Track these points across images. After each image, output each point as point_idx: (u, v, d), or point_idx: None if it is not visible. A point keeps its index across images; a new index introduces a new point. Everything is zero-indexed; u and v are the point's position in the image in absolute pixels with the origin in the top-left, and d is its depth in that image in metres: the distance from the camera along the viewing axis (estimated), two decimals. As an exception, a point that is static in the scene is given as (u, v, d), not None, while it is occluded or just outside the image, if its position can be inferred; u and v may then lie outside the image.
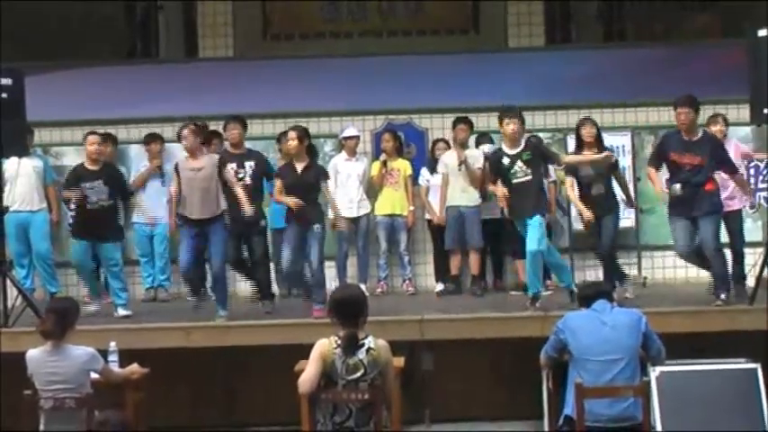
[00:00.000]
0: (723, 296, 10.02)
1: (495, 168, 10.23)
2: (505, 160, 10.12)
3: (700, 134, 10.11)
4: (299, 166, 10.31)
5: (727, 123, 11.31)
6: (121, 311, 10.75)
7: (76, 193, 10.62)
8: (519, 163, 10.08)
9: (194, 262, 10.38)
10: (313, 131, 12.70)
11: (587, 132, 10.79)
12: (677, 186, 9.99)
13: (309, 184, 10.28)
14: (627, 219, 12.39)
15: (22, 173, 11.67)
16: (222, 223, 10.29)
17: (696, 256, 10.23)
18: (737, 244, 10.99)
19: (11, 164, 11.32)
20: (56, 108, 12.62)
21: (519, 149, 10.12)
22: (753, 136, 12.67)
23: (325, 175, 10.58)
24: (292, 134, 10.37)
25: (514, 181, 10.11)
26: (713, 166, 10.06)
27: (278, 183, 10.37)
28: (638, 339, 7.58)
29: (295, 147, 10.33)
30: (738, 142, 11.52)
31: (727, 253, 10.61)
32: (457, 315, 10.09)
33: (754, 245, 11.72)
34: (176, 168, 10.35)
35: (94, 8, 13.83)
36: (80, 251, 10.82)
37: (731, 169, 10.33)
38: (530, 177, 10.10)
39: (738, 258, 10.93)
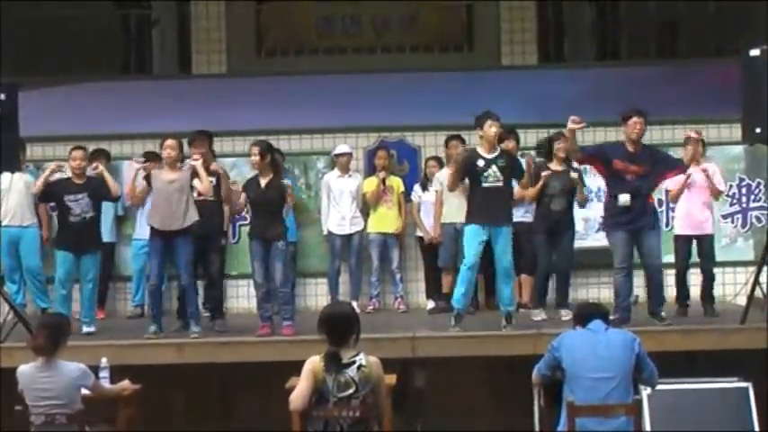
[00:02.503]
0: (664, 314, 10.14)
1: (467, 168, 10.17)
2: (480, 162, 10.12)
3: (641, 146, 10.18)
4: (263, 182, 10.30)
5: (704, 144, 11.25)
6: (87, 329, 10.67)
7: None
8: (494, 167, 10.09)
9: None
10: (306, 148, 12.80)
11: (560, 147, 11.00)
12: (627, 197, 10.02)
13: (271, 200, 10.23)
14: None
15: (14, 188, 11.63)
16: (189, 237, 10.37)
17: (629, 274, 10.27)
18: (709, 266, 11.03)
19: (3, 178, 11.32)
20: (49, 123, 12.60)
21: (495, 154, 10.16)
22: (745, 155, 12.71)
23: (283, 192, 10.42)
24: (254, 149, 10.33)
25: (485, 185, 10.11)
26: (659, 174, 10.21)
27: (242, 196, 10.37)
28: (632, 359, 7.57)
29: (257, 162, 10.32)
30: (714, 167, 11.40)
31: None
32: (449, 333, 10.07)
33: (745, 263, 11.76)
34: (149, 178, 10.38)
35: (89, 23, 13.83)
36: (65, 261, 10.77)
37: (679, 166, 10.39)
38: (501, 184, 10.13)
39: (709, 280, 11.01)
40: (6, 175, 11.26)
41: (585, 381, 7.49)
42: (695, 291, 11.08)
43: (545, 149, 11.21)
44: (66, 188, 10.77)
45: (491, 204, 10.10)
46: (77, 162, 10.82)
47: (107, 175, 10.81)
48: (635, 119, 10.08)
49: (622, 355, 7.56)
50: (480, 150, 10.20)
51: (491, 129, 10.10)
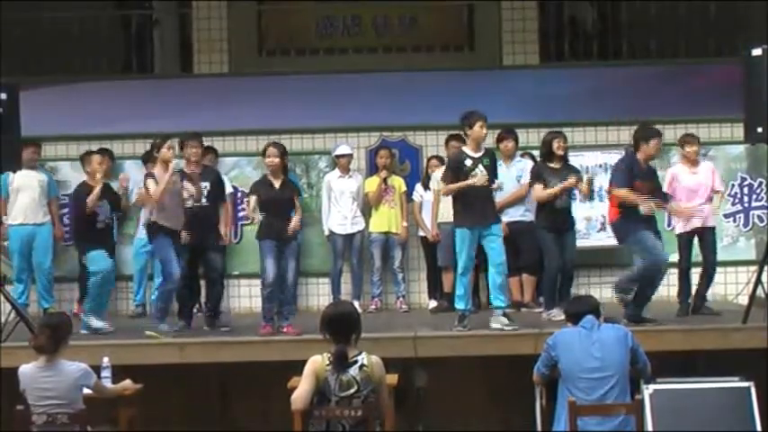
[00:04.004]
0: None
1: (457, 168, 10.13)
2: (468, 162, 10.10)
3: (649, 163, 10.30)
4: (277, 182, 10.33)
5: (699, 143, 11.27)
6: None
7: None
8: (480, 166, 10.09)
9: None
10: (307, 148, 12.80)
11: (560, 146, 11.01)
12: (650, 205, 10.08)
13: (287, 200, 10.32)
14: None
15: (27, 186, 11.76)
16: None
17: None
18: (711, 258, 11.05)
19: (13, 177, 11.43)
20: (51, 123, 12.62)
21: (481, 153, 10.16)
22: (746, 155, 12.71)
23: (299, 192, 10.81)
24: (274, 151, 10.37)
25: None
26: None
27: (252, 199, 10.36)
28: (627, 355, 7.62)
29: (277, 164, 10.36)
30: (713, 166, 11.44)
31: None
32: (450, 332, 10.07)
33: (746, 263, 11.75)
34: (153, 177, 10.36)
35: (90, 24, 13.83)
36: (103, 257, 10.76)
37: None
38: (487, 183, 10.14)
39: (711, 274, 11.07)
40: (17, 174, 11.34)
41: (583, 381, 7.52)
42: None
43: (544, 149, 11.16)
44: (89, 195, 10.72)
45: (481, 203, 10.10)
46: (103, 166, 10.82)
47: None
48: (657, 140, 10.08)
49: (617, 353, 7.59)
50: (467, 150, 10.21)
51: (482, 130, 10.09)
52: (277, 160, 10.34)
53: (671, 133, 12.09)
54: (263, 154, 10.50)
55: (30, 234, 11.83)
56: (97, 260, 10.67)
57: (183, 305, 10.88)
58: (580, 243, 11.64)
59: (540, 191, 10.89)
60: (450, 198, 11.63)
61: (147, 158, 11.69)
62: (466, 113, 10.17)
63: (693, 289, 10.99)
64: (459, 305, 10.19)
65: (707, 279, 10.99)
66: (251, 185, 10.68)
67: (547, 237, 10.93)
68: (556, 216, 10.92)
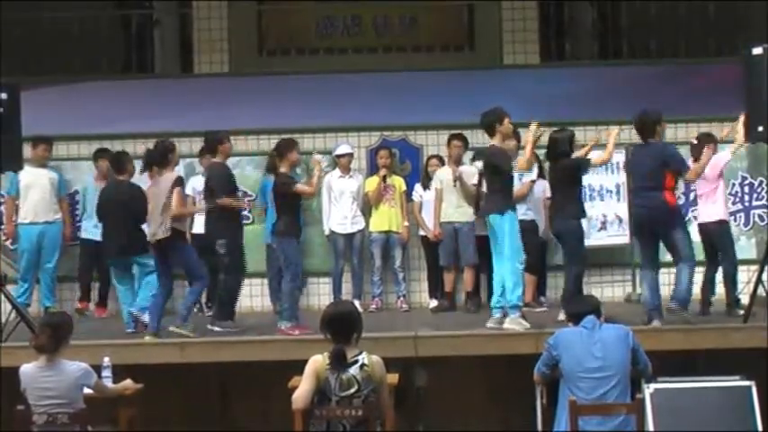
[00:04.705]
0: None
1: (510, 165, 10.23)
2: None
3: None
4: None
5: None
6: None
7: None
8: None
9: None
10: (308, 147, 12.78)
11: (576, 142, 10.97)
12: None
13: (301, 201, 10.56)
14: (622, 236, 12.41)
15: (37, 184, 11.79)
16: None
17: None
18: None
19: (23, 176, 11.45)
20: (51, 123, 12.60)
21: None
22: (747, 154, 12.70)
23: None
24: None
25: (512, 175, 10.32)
26: None
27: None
28: (628, 355, 7.62)
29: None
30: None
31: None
32: (451, 332, 10.08)
33: (747, 262, 11.74)
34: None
35: (90, 24, 13.84)
36: None
37: None
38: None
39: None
40: (26, 173, 11.36)
41: (584, 381, 7.52)
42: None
43: (564, 147, 10.95)
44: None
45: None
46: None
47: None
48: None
49: (618, 352, 7.59)
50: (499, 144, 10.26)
51: (510, 125, 10.23)
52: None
53: (671, 133, 12.09)
54: (288, 150, 10.42)
55: (40, 233, 11.87)
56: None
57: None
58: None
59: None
60: (451, 198, 11.77)
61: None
62: (490, 110, 10.23)
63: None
64: (521, 301, 10.07)
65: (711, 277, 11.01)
66: (282, 178, 10.44)
67: (579, 224, 10.57)
68: (582, 205, 10.79)
